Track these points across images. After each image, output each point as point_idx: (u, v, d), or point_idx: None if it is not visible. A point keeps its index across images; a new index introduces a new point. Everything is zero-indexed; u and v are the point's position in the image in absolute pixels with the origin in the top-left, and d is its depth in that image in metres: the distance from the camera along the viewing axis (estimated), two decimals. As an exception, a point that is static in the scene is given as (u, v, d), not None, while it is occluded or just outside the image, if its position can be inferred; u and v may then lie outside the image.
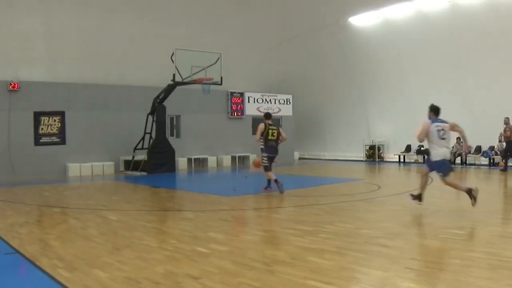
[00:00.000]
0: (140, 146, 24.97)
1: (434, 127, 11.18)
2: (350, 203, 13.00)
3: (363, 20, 29.37)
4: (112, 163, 25.37)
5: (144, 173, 23.95)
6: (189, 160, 27.44)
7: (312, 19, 30.41)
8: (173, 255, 7.58)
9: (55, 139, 23.99)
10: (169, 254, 7.66)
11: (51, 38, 24.55)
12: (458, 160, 26.02)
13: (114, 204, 13.84)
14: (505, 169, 22.43)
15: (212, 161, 28.95)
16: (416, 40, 26.86)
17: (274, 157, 16.46)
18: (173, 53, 22.50)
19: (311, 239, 8.50)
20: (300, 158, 35.42)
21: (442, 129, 11.16)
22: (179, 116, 27.74)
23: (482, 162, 26.00)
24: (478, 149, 26.05)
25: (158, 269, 6.78)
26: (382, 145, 31.47)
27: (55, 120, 23.93)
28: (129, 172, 24.77)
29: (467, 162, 25.90)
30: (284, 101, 33.67)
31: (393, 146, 30.86)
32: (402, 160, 29.72)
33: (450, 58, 25.74)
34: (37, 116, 23.50)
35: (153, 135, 24.75)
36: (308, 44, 32.56)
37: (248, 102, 31.80)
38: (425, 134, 11.31)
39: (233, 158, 30.27)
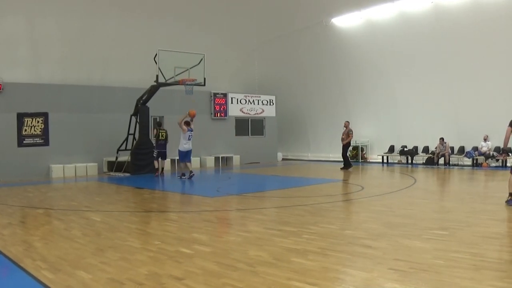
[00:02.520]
0: (123, 147, 24.91)
1: None
2: (333, 204, 13.03)
3: (346, 21, 29.44)
4: (96, 164, 25.30)
5: (128, 174, 23.90)
6: (173, 161, 27.35)
7: (294, 20, 30.47)
8: (157, 256, 7.57)
9: (38, 140, 23.86)
10: (152, 255, 7.65)
11: (34, 39, 24.44)
12: (441, 160, 26.13)
13: (98, 205, 13.78)
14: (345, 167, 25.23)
15: (195, 162, 28.89)
16: (399, 41, 27.00)
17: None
18: (156, 54, 22.45)
19: (294, 240, 8.52)
20: (283, 159, 35.45)
21: None
22: (162, 117, 27.68)
23: (465, 163, 26.13)
24: (462, 150, 26.18)
25: (142, 270, 6.77)
26: (366, 145, 31.54)
27: (38, 122, 23.81)
28: (112, 173, 24.67)
29: (450, 162, 26.01)
30: (267, 102, 33.71)
31: (377, 147, 30.95)
32: (385, 160, 29.81)
33: (433, 58, 25.89)
34: (20, 117, 23.36)
35: (137, 136, 24.69)
36: (291, 45, 32.61)
37: (231, 103, 31.80)
38: None
39: (217, 159, 30.26)
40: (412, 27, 26.14)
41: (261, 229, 9.69)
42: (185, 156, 21.57)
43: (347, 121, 25.70)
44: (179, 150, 21.63)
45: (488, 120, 24.58)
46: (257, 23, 31.49)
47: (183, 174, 21.77)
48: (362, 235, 8.78)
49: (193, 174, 21.37)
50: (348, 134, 25.16)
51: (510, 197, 11.82)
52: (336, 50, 30.46)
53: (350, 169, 24.81)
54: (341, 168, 25.08)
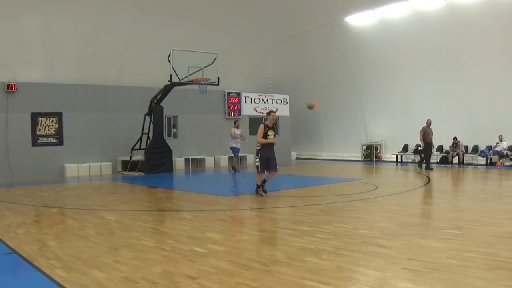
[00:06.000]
0: (137, 146, 25.00)
1: None
2: (347, 203, 12.99)
3: (359, 20, 29.28)
4: (110, 163, 25.39)
5: (142, 174, 23.94)
6: (187, 160, 27.44)
7: (308, 19, 30.32)
8: (171, 255, 7.59)
9: (52, 140, 23.96)
10: (166, 254, 7.66)
11: (48, 39, 24.43)
12: (455, 159, 26.02)
13: (112, 205, 13.83)
14: (430, 168, 24.06)
15: (209, 161, 28.93)
16: (412, 40, 26.87)
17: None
18: (169, 54, 22.49)
19: (308, 239, 8.51)
20: (297, 158, 35.42)
21: None
22: (176, 116, 27.72)
23: (480, 162, 26.01)
24: (476, 149, 26.07)
25: (156, 269, 6.78)
26: (380, 145, 31.47)
27: (52, 121, 23.91)
28: (126, 173, 24.75)
29: (465, 161, 25.90)
30: (281, 101, 33.68)
31: (391, 146, 30.87)
32: (399, 160, 29.73)
33: (446, 57, 25.77)
34: (35, 117, 23.47)
35: (151, 135, 24.75)
36: (305, 44, 32.50)
37: (245, 102, 31.81)
38: None
39: (231, 158, 30.19)
40: (425, 26, 26.00)
41: (275, 228, 9.70)
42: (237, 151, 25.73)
43: (429, 119, 24.80)
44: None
45: (502, 119, 24.47)
46: (271, 23, 31.34)
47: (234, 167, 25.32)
48: (376, 235, 8.77)
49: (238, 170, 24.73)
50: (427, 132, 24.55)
51: None
52: (350, 49, 30.35)
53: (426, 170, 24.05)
54: (426, 169, 23.96)
